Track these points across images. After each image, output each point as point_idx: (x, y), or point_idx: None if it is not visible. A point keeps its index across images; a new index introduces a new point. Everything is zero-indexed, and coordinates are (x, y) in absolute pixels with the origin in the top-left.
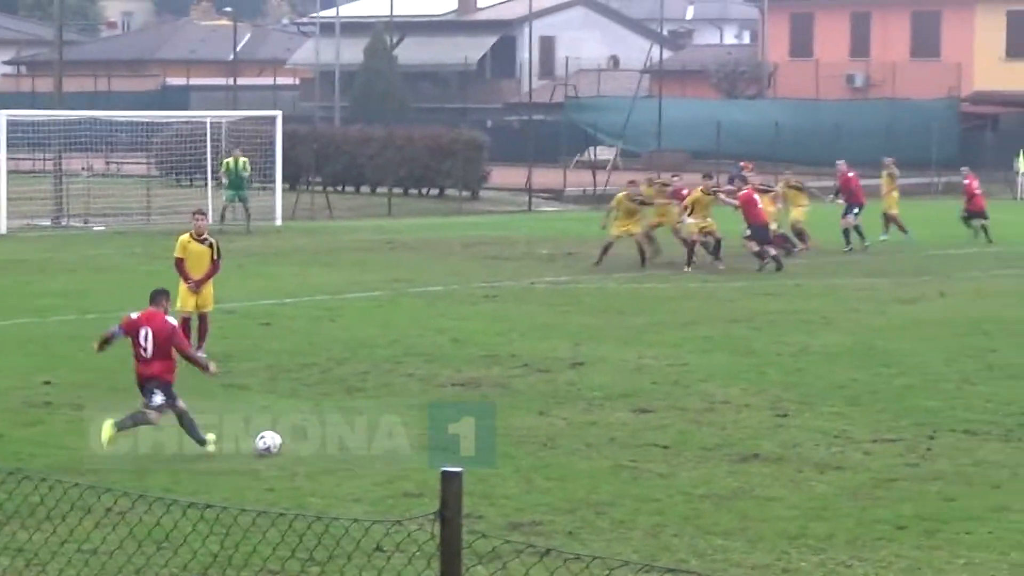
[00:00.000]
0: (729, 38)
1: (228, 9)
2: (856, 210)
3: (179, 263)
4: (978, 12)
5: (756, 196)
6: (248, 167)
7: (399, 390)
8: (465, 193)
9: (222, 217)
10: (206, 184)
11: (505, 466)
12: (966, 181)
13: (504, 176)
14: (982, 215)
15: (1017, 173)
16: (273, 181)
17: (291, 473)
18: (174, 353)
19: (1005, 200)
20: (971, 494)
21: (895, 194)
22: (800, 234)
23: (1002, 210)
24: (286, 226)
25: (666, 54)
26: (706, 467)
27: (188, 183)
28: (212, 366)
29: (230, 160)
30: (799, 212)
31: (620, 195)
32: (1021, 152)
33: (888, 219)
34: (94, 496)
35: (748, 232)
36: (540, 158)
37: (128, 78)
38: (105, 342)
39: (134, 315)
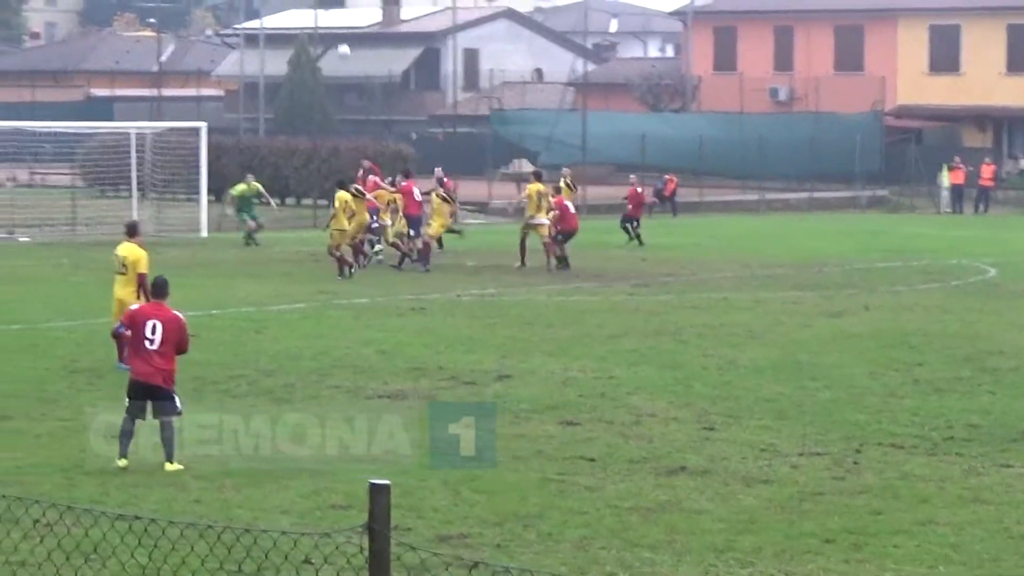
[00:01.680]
0: (653, 51)
1: (152, 20)
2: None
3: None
4: (900, 26)
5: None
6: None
7: (326, 402)
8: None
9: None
10: (131, 195)
11: (432, 478)
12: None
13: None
14: None
15: (941, 187)
16: (198, 192)
17: (218, 485)
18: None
19: (929, 214)
20: (898, 507)
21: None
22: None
23: (926, 224)
24: (212, 237)
25: (590, 67)
26: (633, 480)
27: (114, 194)
28: None
29: (245, 187)
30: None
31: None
32: (944, 166)
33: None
34: (21, 508)
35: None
36: (465, 170)
37: (52, 89)
38: (118, 339)
39: (134, 307)
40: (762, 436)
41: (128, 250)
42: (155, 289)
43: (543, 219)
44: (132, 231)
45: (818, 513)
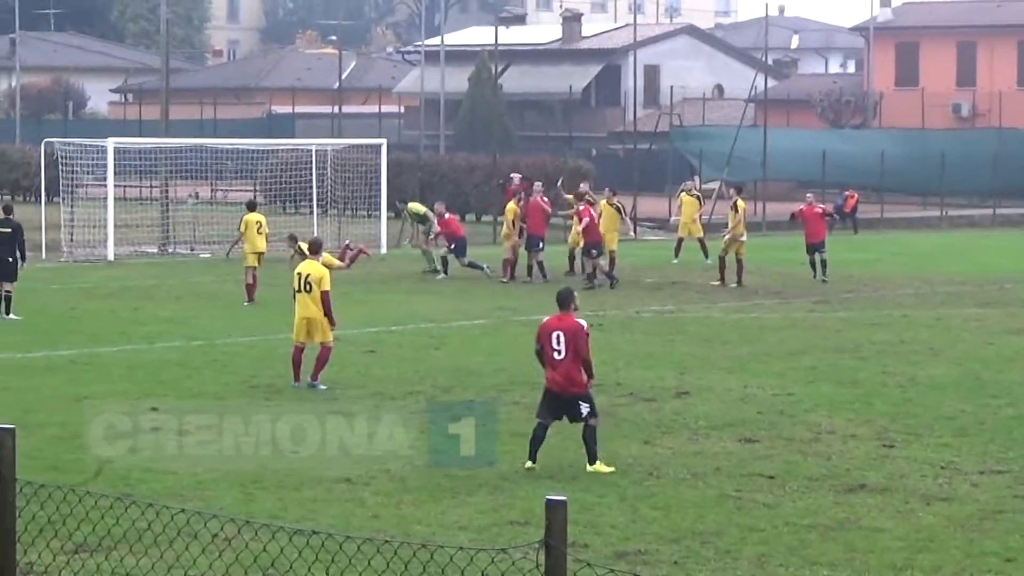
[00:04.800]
0: (834, 67)
1: (333, 38)
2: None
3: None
4: None
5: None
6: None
7: (504, 419)
8: (570, 222)
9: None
10: (311, 212)
11: (610, 495)
12: None
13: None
14: None
15: None
16: (378, 209)
17: (397, 500)
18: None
19: None
20: None
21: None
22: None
23: None
24: (391, 254)
25: (771, 83)
26: (812, 497)
27: (294, 210)
28: None
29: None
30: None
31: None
32: None
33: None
34: (200, 522)
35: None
36: (645, 187)
37: (234, 106)
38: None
39: (545, 319)
40: (942, 454)
41: (311, 268)
42: (560, 300)
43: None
44: (315, 249)
45: (999, 532)
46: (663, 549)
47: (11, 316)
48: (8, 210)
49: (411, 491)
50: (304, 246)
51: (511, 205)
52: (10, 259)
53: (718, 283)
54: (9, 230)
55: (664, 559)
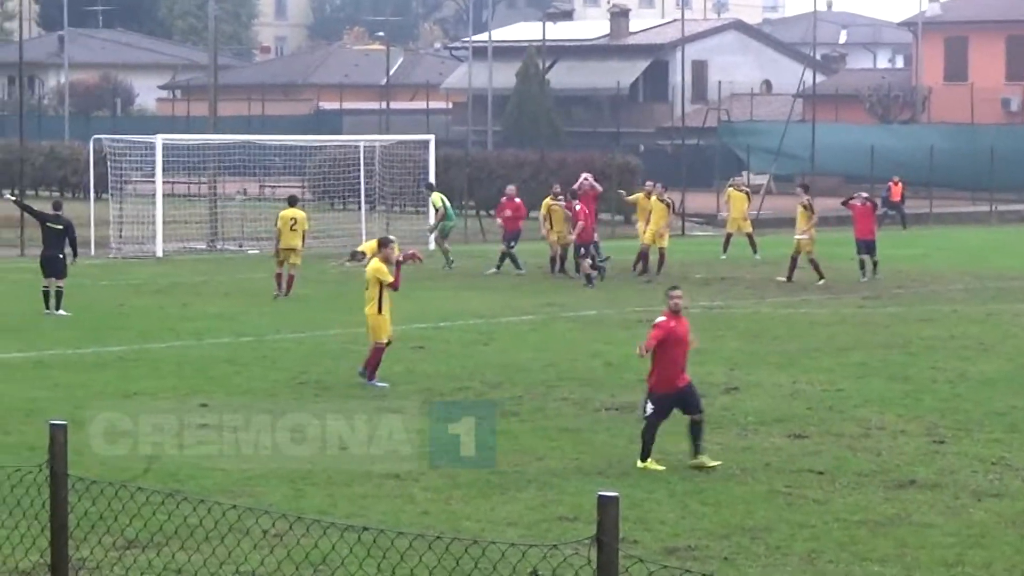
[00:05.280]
0: (882, 62)
1: (381, 34)
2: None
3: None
4: None
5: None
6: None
7: (553, 414)
8: (618, 217)
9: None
10: (359, 208)
11: (660, 491)
12: None
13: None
14: None
15: None
16: (426, 206)
17: (446, 496)
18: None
19: None
20: None
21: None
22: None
23: None
24: (439, 250)
25: (819, 78)
26: (862, 493)
27: (342, 207)
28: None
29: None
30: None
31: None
32: None
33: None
34: (252, 518)
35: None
36: (693, 182)
37: (282, 102)
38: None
39: (660, 319)
40: (993, 449)
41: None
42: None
43: (806, 234)
44: (382, 243)
45: None
46: (713, 545)
47: (61, 312)
48: (58, 207)
49: (460, 487)
50: (370, 246)
51: (547, 201)
52: (60, 255)
53: (822, 282)
54: (60, 226)
55: (714, 555)
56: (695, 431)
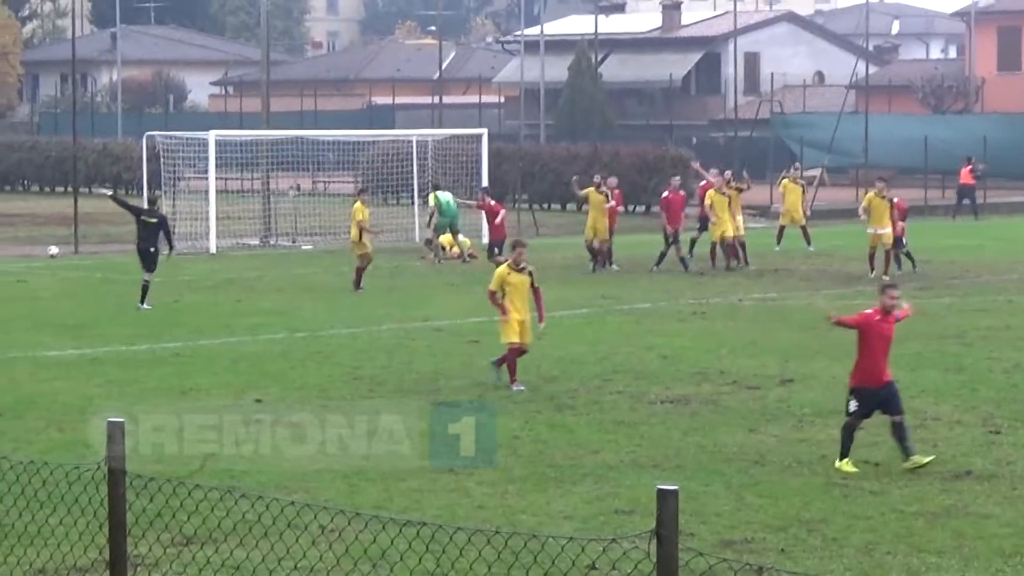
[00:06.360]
0: (935, 53)
1: (432, 28)
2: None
3: (491, 295)
4: None
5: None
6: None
7: (609, 407)
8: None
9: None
10: (412, 203)
11: (716, 483)
12: None
13: None
14: None
15: None
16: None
17: (502, 491)
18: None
19: None
20: None
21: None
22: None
23: None
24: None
25: (872, 69)
26: (918, 484)
27: (395, 201)
28: None
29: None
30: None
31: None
32: None
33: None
34: (309, 514)
35: None
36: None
37: (334, 97)
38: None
39: (868, 311)
40: None
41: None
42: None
43: (884, 228)
44: (516, 244)
45: None
46: (769, 537)
47: (144, 306)
48: (153, 201)
49: (515, 481)
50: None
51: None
52: (152, 249)
53: (899, 272)
54: (155, 220)
55: (771, 547)
56: (899, 433)
